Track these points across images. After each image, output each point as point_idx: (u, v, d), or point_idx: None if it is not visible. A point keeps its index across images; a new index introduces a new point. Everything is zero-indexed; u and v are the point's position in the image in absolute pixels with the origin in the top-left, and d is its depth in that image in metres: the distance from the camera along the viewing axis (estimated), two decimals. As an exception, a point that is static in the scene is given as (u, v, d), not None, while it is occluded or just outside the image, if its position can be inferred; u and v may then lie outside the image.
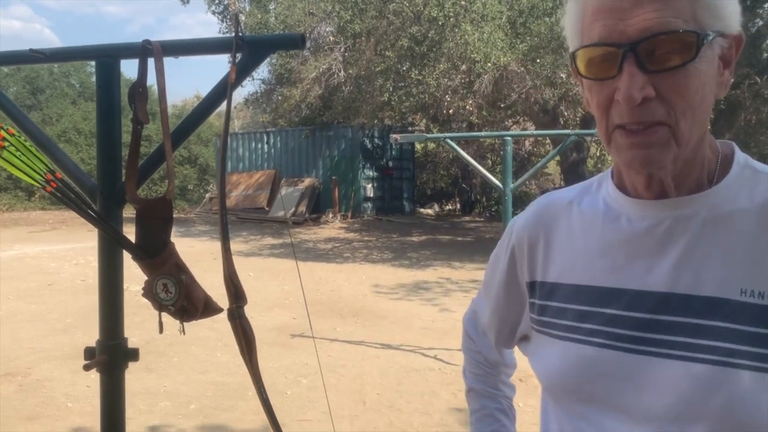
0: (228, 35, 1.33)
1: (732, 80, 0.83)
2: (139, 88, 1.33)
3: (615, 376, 0.84)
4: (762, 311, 0.76)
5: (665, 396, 0.79)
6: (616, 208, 0.89)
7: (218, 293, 1.28)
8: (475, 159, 14.71)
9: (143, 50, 1.32)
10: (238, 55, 1.28)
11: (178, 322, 1.41)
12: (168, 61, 1.37)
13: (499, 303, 1.07)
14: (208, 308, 1.38)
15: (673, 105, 0.76)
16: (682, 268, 0.81)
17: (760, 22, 10.89)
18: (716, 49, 0.78)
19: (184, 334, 1.39)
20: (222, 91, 1.29)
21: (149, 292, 1.34)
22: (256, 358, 1.17)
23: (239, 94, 25.78)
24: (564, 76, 10.33)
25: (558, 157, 15.65)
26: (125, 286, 1.46)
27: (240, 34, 1.25)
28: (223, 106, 1.35)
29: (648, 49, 0.75)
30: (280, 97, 17.52)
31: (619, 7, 0.76)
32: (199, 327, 6.06)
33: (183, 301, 1.33)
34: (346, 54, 13.26)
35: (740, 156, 0.85)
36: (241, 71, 1.28)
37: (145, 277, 1.35)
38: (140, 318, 6.00)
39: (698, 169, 0.83)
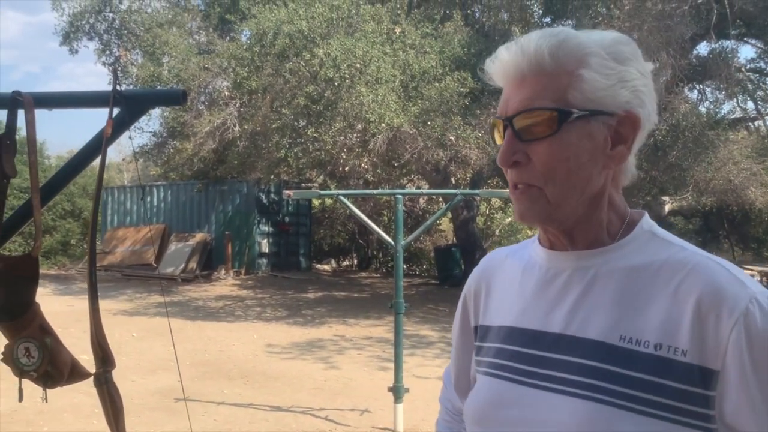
0: (107, 89, 1.30)
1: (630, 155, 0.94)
2: (6, 140, 1.27)
3: (510, 405, 0.95)
4: (635, 356, 0.86)
5: (549, 426, 0.89)
6: (534, 258, 1.03)
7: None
8: (371, 215, 14.92)
9: (13, 101, 1.27)
10: (116, 109, 1.26)
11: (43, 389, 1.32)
12: (63, 111, 1.33)
13: (457, 351, 1.19)
14: (75, 373, 1.30)
15: (540, 170, 0.91)
16: (575, 313, 0.93)
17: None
18: (598, 126, 0.90)
19: (46, 401, 1.30)
20: (97, 145, 1.26)
21: (9, 357, 1.25)
22: (124, 425, 1.11)
23: (129, 147, 24.88)
24: (453, 138, 10.78)
25: (450, 215, 16.16)
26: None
27: (118, 88, 1.24)
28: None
29: (521, 122, 0.91)
30: (172, 150, 17.07)
31: (509, 92, 0.94)
32: (73, 393, 5.61)
33: (47, 366, 1.25)
34: (242, 109, 13.21)
35: (646, 222, 0.97)
36: (119, 126, 1.26)
37: (6, 341, 1.26)
38: (6, 384, 5.50)
39: (596, 229, 0.95)
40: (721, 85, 12.37)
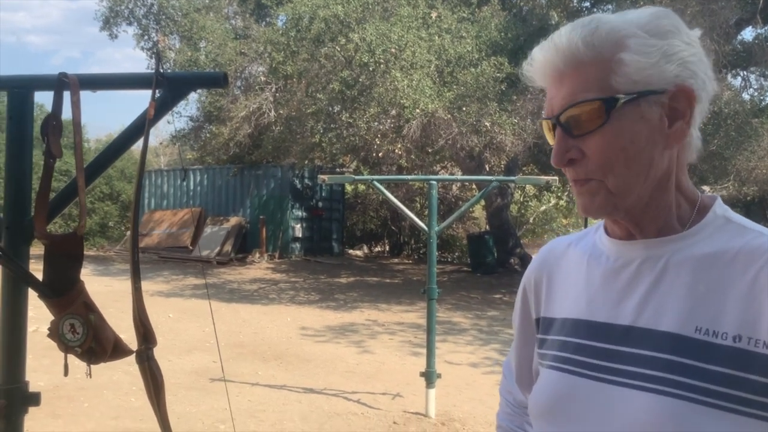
0: (149, 71, 1.32)
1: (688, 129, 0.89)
2: (52, 120, 1.30)
3: (576, 400, 0.91)
4: (712, 349, 0.82)
5: (617, 421, 0.85)
6: (600, 248, 0.99)
7: (134, 335, 1.23)
8: (404, 202, 14.92)
9: (59, 83, 1.29)
10: (159, 91, 1.28)
11: (87, 364, 1.35)
12: (101, 95, 1.35)
13: (518, 343, 1.15)
14: (118, 350, 1.33)
15: (597, 163, 0.88)
16: (646, 304, 0.88)
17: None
18: (650, 106, 0.87)
19: (90, 377, 1.34)
20: (140, 126, 1.28)
21: (55, 332, 1.28)
22: (165, 401, 1.13)
23: (166, 131, 25.27)
24: (488, 124, 10.68)
25: (483, 202, 16.06)
26: (35, 327, 1.39)
27: (161, 70, 1.25)
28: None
29: (568, 118, 0.88)
30: (208, 135, 17.28)
31: (551, 91, 0.92)
32: (112, 370, 5.78)
33: (91, 342, 1.28)
34: (277, 94, 13.28)
35: (718, 207, 0.92)
36: (161, 108, 1.27)
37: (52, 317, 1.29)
38: (49, 360, 5.68)
39: (664, 215, 0.91)
40: (767, 72, 12.00)
